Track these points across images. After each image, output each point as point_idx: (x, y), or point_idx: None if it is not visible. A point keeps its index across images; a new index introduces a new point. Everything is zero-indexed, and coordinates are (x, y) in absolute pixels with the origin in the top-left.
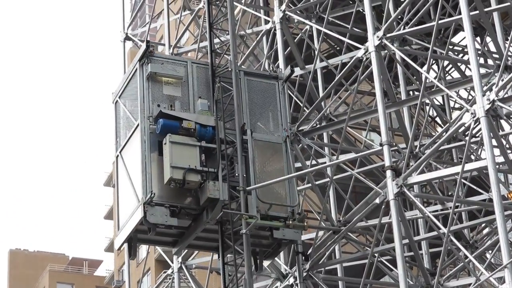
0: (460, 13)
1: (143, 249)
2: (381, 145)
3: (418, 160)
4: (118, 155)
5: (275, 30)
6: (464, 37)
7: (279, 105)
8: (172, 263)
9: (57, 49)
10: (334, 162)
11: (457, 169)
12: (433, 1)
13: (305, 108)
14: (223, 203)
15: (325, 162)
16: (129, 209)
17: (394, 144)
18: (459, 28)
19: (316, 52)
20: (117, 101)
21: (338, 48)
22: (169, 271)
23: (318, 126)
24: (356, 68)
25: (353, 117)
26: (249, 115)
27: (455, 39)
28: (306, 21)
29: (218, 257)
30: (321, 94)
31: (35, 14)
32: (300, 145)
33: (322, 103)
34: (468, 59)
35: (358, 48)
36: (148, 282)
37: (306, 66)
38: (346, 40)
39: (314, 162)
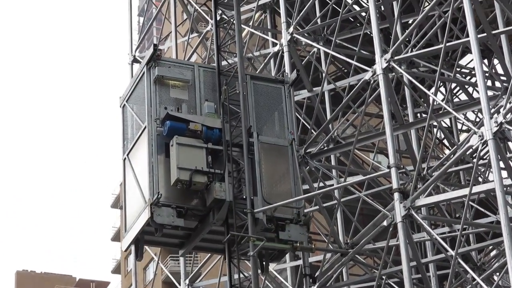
0: (467, 36)
1: (150, 271)
2: (388, 167)
3: (426, 183)
4: (125, 158)
5: (282, 52)
6: (472, 60)
7: (285, 108)
8: (180, 285)
9: (67, 70)
10: (342, 184)
11: (465, 191)
12: (441, 24)
13: (312, 131)
14: (228, 204)
15: (332, 184)
16: (136, 211)
17: (402, 166)
18: (466, 50)
19: (323, 75)
20: (124, 105)
21: (345, 70)
22: None
23: (326, 148)
24: (363, 90)
25: (361, 139)
26: (255, 118)
27: (463, 61)
28: (314, 44)
29: (224, 259)
30: (328, 116)
31: (42, 20)
32: (308, 167)
33: (330, 126)
34: (476, 81)
35: (365, 71)
36: None
37: (314, 89)
38: (353, 62)
39: (321, 184)
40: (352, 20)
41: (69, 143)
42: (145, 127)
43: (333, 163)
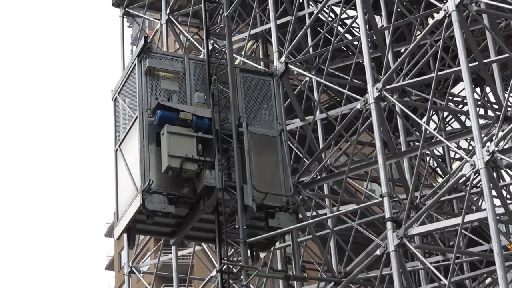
0: (459, 64)
1: None
2: (381, 196)
3: (419, 211)
4: (117, 149)
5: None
6: (464, 88)
7: (274, 101)
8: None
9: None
10: (335, 213)
11: (458, 220)
12: (433, 53)
13: (305, 160)
14: (219, 191)
15: (325, 214)
16: (128, 199)
17: (395, 195)
18: (458, 78)
19: (316, 104)
20: (116, 97)
21: (338, 99)
22: None
23: (319, 177)
24: (356, 119)
25: (354, 168)
26: (245, 110)
27: (455, 90)
28: (306, 73)
29: (215, 247)
30: (321, 145)
31: (36, 22)
32: (301, 196)
33: (323, 154)
34: (468, 110)
35: (358, 99)
36: None
37: (306, 118)
38: (345, 91)
39: (314, 213)
40: (344, 49)
41: (63, 175)
42: (136, 117)
43: (326, 192)
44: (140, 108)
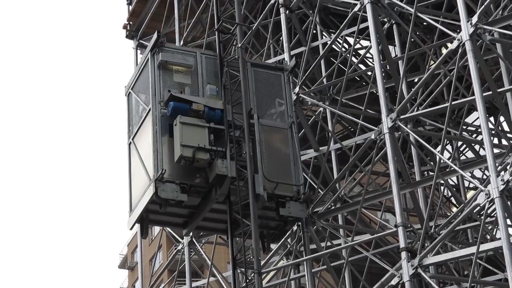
0: (473, 94)
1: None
2: (396, 226)
3: (434, 241)
4: (130, 142)
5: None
6: (478, 117)
7: (284, 94)
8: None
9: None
10: (349, 244)
11: (473, 249)
12: (446, 82)
13: (319, 190)
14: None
15: (340, 244)
16: (141, 190)
17: (409, 225)
18: (472, 108)
19: (330, 134)
20: (129, 93)
21: (352, 129)
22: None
23: (333, 207)
24: (370, 149)
25: (368, 198)
26: (256, 103)
27: (469, 119)
28: (320, 104)
29: (227, 238)
30: (335, 176)
31: (41, 21)
32: (315, 227)
33: (337, 185)
34: (482, 139)
35: (372, 129)
36: None
37: (320, 148)
38: (360, 121)
39: (329, 243)
40: (358, 79)
41: (77, 206)
42: (149, 110)
43: (340, 222)
44: (153, 100)
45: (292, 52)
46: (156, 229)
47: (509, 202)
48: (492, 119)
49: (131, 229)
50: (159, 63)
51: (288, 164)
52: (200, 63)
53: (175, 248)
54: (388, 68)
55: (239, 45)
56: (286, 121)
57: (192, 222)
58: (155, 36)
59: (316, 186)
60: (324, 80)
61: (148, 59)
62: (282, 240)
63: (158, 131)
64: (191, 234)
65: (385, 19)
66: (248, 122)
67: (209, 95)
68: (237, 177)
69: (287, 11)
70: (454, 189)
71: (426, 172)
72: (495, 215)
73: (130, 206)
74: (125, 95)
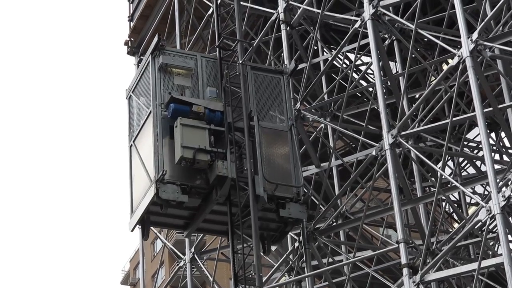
0: (474, 110)
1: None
2: (397, 242)
3: (435, 257)
4: (131, 145)
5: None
6: (479, 133)
7: (284, 97)
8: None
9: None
10: (351, 260)
11: (474, 265)
12: (447, 98)
13: (321, 206)
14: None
15: (342, 260)
16: (142, 191)
17: (411, 241)
18: (473, 124)
19: (331, 150)
20: (130, 96)
21: (353, 145)
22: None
23: (335, 224)
24: (371, 165)
25: (369, 214)
26: (256, 106)
27: (470, 135)
28: (321, 120)
29: (228, 240)
30: (337, 192)
31: (43, 21)
32: (317, 243)
33: (338, 201)
34: (483, 155)
35: (373, 146)
36: None
37: (322, 164)
38: (361, 138)
39: (330, 260)
40: (359, 95)
41: (78, 222)
42: (150, 112)
43: (342, 238)
44: (154, 102)
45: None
46: (158, 245)
47: (510, 218)
48: (493, 135)
49: (132, 230)
50: (160, 66)
51: (288, 166)
52: (200, 66)
53: (177, 265)
54: (389, 84)
55: (240, 61)
56: (286, 123)
57: (193, 223)
58: (155, 39)
59: (317, 202)
60: (325, 96)
61: (148, 62)
62: (285, 255)
63: (158, 133)
64: (192, 250)
65: (386, 36)
66: (248, 125)
67: (209, 97)
68: (236, 179)
69: (288, 28)
70: (456, 205)
71: (427, 188)
72: (496, 231)
73: (132, 208)
74: (126, 98)
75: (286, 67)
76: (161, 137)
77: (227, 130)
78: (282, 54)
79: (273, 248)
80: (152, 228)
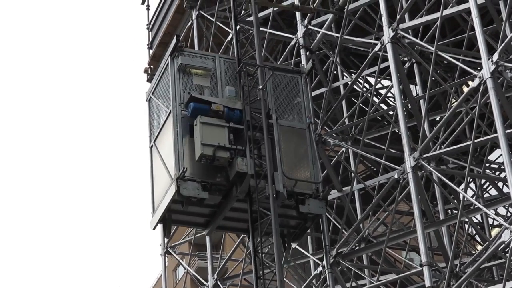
0: (495, 131)
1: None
2: (421, 265)
3: (459, 280)
4: (152, 145)
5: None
6: (501, 155)
7: (302, 96)
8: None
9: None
10: (375, 284)
11: (498, 287)
12: (468, 120)
13: (343, 230)
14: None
15: (365, 284)
16: (163, 189)
17: (434, 264)
18: (495, 145)
19: (353, 174)
20: (150, 98)
21: (375, 169)
22: None
23: (357, 248)
24: (393, 188)
25: (392, 238)
26: (274, 105)
27: (492, 157)
28: (342, 144)
29: (248, 238)
30: (359, 216)
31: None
32: (340, 267)
33: (361, 225)
34: (506, 176)
35: (395, 169)
36: None
37: (344, 188)
38: (382, 161)
39: (354, 284)
40: (379, 119)
41: (101, 248)
42: (170, 112)
43: (365, 262)
44: (174, 102)
45: (314, 93)
46: (181, 272)
47: None
48: None
49: (154, 229)
50: (179, 67)
51: (307, 163)
52: (218, 67)
53: None
54: (409, 107)
55: (261, 87)
56: (304, 121)
57: (214, 221)
58: (174, 40)
59: (340, 227)
60: (346, 120)
61: (168, 63)
62: (308, 279)
63: (178, 132)
64: (215, 276)
65: (406, 58)
66: (267, 123)
67: (228, 96)
68: (255, 175)
69: (308, 52)
70: (479, 227)
71: (450, 211)
72: None
73: (153, 207)
74: (146, 100)
75: (303, 67)
76: (181, 136)
77: (246, 128)
78: None
79: (293, 245)
80: (174, 255)
